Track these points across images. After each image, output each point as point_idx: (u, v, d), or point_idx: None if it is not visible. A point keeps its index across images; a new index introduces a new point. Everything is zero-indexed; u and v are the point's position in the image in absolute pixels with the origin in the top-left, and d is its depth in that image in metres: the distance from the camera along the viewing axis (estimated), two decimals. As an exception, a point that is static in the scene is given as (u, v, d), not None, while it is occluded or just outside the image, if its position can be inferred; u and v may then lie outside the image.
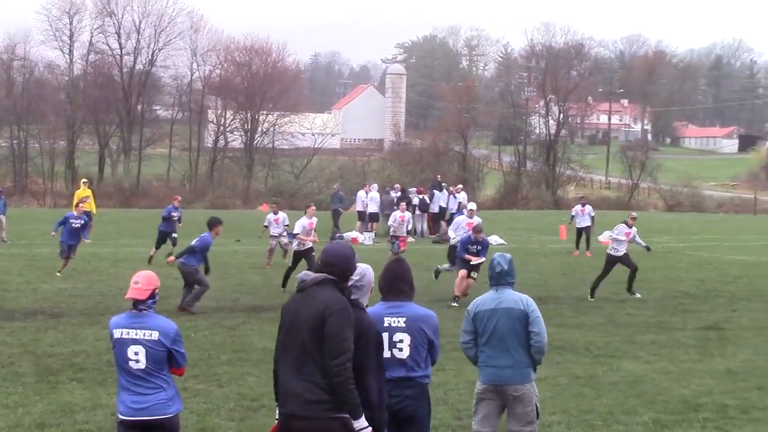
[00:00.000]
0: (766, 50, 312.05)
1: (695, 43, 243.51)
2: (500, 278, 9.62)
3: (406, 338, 8.26)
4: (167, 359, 8.22)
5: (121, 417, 8.27)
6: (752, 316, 21.36)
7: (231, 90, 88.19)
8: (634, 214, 26.39)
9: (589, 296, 23.91)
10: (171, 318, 8.68)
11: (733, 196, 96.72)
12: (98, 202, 45.69)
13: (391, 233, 31.67)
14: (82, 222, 27.16)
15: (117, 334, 8.22)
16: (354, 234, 39.87)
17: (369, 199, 41.68)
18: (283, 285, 24.45)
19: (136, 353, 8.13)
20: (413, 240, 39.34)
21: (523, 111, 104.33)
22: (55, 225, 27.81)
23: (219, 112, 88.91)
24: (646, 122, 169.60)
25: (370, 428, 7.10)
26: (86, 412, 12.44)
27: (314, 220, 25.66)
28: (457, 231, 25.21)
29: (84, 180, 42.45)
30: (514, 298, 9.53)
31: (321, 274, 7.36)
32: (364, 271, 7.96)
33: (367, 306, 7.89)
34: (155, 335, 8.13)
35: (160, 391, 8.18)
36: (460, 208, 40.83)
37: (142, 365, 8.13)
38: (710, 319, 20.90)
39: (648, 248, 25.95)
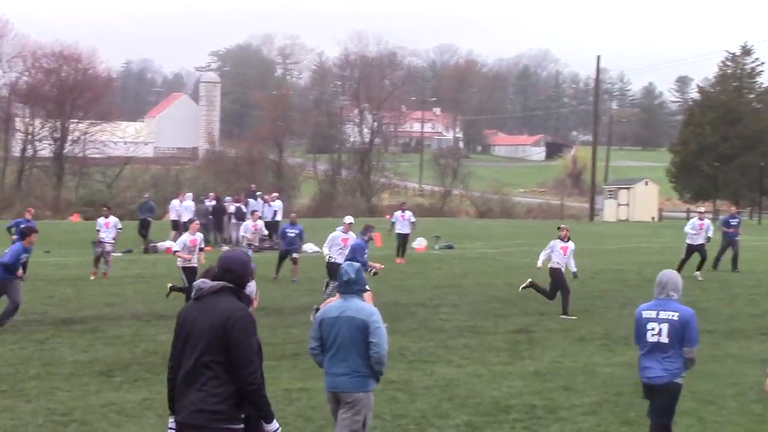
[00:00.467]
0: (570, 60, 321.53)
1: (504, 53, 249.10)
2: (347, 287, 9.72)
3: None
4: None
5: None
6: (558, 319, 21.92)
7: (39, 97, 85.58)
8: (563, 225, 24.75)
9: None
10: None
11: (542, 202, 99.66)
12: None
13: (245, 244, 30.92)
14: None
15: None
16: (168, 243, 39.36)
17: (183, 208, 41.22)
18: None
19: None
20: (228, 249, 39.25)
21: (338, 119, 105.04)
22: None
23: (27, 120, 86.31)
24: (457, 130, 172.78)
25: (280, 429, 7.24)
26: None
27: (198, 236, 24.14)
28: (331, 249, 24.61)
29: None
30: (358, 307, 9.62)
31: (219, 282, 7.32)
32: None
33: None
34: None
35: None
36: (275, 217, 40.91)
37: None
38: (520, 323, 21.35)
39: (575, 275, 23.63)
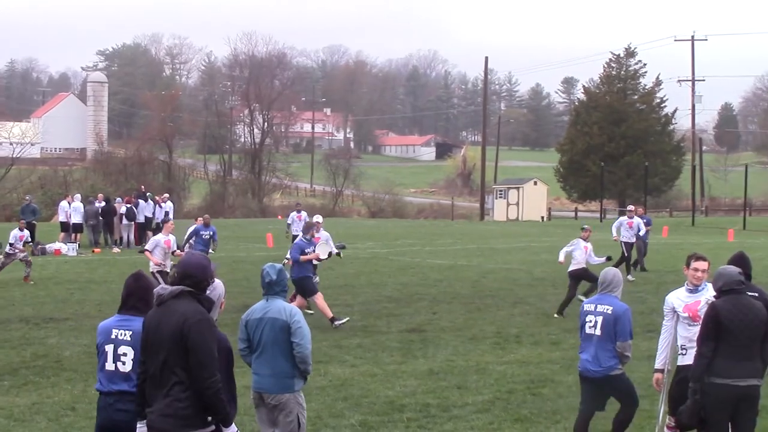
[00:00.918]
0: (459, 62, 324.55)
1: (393, 54, 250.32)
2: (270, 288, 9.74)
3: (130, 352, 8.21)
4: None
5: None
6: (451, 318, 22.14)
7: None
8: (587, 226, 24.61)
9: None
10: None
11: (433, 202, 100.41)
12: None
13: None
14: None
15: None
16: (57, 245, 38.75)
17: (72, 209, 40.62)
18: None
19: None
20: (118, 250, 38.85)
21: (228, 120, 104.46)
22: None
23: None
24: (348, 130, 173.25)
25: None
26: None
27: (171, 237, 22.68)
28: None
29: None
30: (280, 307, 9.63)
31: (178, 286, 7.29)
32: (216, 285, 7.93)
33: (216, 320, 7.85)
34: None
35: None
36: (167, 218, 40.49)
37: None
38: (413, 322, 21.47)
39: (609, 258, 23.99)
